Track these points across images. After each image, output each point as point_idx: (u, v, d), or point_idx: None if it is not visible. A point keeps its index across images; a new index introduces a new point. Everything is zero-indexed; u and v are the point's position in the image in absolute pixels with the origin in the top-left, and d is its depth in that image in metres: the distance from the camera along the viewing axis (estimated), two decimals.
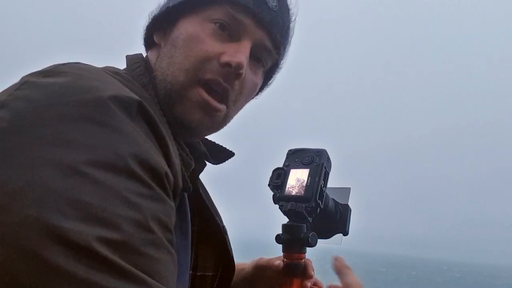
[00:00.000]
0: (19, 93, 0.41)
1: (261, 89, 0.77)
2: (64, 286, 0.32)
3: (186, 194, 0.62)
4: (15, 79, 0.45)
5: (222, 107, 0.63)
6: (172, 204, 0.46)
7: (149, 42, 0.70)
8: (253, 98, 0.75)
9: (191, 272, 0.69)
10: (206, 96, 0.61)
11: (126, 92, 0.47)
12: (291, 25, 0.70)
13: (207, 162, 0.77)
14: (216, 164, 0.79)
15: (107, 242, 0.35)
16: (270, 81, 0.77)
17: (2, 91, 0.44)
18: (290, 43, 0.72)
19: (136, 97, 0.47)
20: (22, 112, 0.39)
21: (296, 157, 0.74)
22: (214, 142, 0.79)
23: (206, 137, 0.78)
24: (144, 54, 0.70)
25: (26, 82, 0.43)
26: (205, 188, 0.79)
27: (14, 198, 0.34)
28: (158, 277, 0.38)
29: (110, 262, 0.34)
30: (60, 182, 0.35)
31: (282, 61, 0.73)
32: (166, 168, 0.46)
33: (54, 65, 0.48)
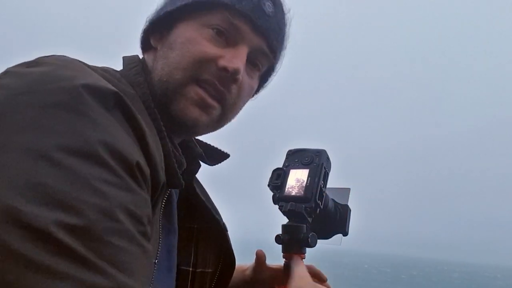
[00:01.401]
0: (0, 82, 0.43)
1: (257, 91, 0.78)
2: (18, 269, 0.31)
3: (175, 192, 0.62)
4: None
5: (217, 105, 0.64)
6: (146, 196, 0.45)
7: (145, 45, 0.71)
8: (249, 100, 0.76)
9: (190, 269, 0.71)
10: (202, 93, 0.61)
11: (103, 82, 0.47)
12: (287, 29, 0.71)
13: (203, 163, 0.78)
14: (212, 165, 0.80)
15: (67, 227, 0.34)
16: (265, 84, 0.78)
17: None
18: (285, 47, 0.73)
19: (113, 88, 0.47)
20: (0, 100, 0.40)
21: (296, 158, 0.74)
22: (209, 144, 0.80)
23: (202, 139, 0.79)
24: (141, 57, 0.71)
25: (8, 72, 0.45)
26: (203, 187, 0.79)
27: None
28: (122, 267, 0.37)
29: (68, 248, 0.34)
30: (24, 165, 0.35)
31: (277, 65, 0.74)
32: (138, 158, 0.45)
33: (39, 57, 0.49)
